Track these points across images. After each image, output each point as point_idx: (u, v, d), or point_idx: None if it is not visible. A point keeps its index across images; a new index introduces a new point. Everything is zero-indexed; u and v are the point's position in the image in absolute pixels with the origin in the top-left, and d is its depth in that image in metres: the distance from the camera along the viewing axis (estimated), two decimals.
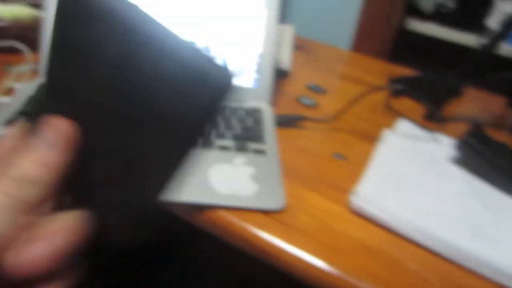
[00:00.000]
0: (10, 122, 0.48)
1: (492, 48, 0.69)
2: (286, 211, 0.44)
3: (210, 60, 0.22)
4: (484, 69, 0.68)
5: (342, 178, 0.51)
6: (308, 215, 0.45)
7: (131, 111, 0.23)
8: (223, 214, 0.43)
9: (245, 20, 0.60)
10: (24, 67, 0.62)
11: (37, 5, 0.73)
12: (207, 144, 0.50)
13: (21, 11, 0.69)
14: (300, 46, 0.87)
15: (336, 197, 0.48)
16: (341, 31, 0.94)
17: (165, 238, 1.12)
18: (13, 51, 0.66)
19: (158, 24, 0.22)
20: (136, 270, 1.10)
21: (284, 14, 0.97)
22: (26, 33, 0.66)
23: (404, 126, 0.63)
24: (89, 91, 0.23)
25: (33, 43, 0.65)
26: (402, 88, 0.72)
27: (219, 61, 0.23)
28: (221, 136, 0.52)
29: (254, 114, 0.58)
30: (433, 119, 0.68)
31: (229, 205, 0.42)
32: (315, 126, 0.61)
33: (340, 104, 0.67)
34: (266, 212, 0.43)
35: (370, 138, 0.60)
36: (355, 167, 0.53)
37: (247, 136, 0.53)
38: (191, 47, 0.22)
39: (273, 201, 0.44)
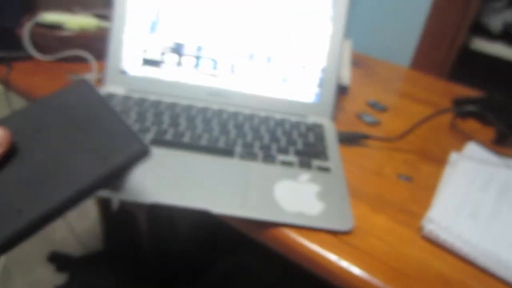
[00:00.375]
0: None
1: None
2: (353, 233, 0.42)
3: (131, 133, 0.31)
4: None
5: (410, 201, 0.48)
6: (376, 238, 0.42)
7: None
8: (288, 232, 0.41)
9: (309, 33, 0.59)
10: (88, 75, 0.64)
11: (103, 16, 0.76)
12: (269, 158, 0.49)
13: (88, 22, 0.72)
14: (358, 62, 0.84)
15: (405, 221, 0.45)
16: (400, 48, 0.91)
17: (207, 248, 1.11)
18: (78, 60, 0.68)
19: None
20: (175, 278, 1.10)
21: None
22: (92, 42, 0.69)
23: (473, 150, 0.59)
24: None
25: (98, 52, 0.67)
26: (471, 109, 0.67)
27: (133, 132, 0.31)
28: (283, 151, 0.50)
29: (316, 129, 0.56)
30: (504, 143, 0.63)
31: (296, 224, 0.40)
32: (378, 144, 0.58)
33: (402, 122, 0.64)
34: (333, 233, 0.41)
35: (436, 160, 0.56)
36: (422, 190, 0.50)
37: (311, 153, 0.51)
38: (119, 120, 0.32)
39: (341, 222, 0.41)
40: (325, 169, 0.48)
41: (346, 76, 0.71)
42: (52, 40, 0.66)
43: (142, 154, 0.31)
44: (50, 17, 0.70)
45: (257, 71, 0.59)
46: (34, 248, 1.33)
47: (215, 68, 0.59)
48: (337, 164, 0.50)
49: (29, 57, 0.68)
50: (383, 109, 0.68)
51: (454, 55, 0.86)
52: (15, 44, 0.69)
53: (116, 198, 0.40)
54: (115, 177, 0.30)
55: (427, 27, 0.87)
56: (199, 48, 0.59)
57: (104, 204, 1.24)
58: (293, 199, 0.43)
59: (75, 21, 0.71)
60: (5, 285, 1.20)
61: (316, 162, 0.49)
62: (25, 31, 0.67)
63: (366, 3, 0.91)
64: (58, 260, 1.28)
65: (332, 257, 0.39)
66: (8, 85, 0.62)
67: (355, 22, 0.95)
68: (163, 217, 1.13)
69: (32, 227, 0.28)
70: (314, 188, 0.45)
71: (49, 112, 0.32)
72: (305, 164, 0.48)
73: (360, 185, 0.49)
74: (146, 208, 1.04)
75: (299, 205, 0.42)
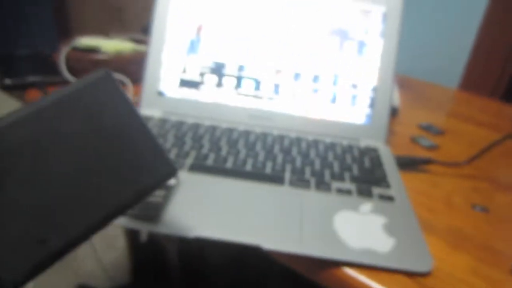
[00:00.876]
0: None
1: None
2: (432, 275, 0.35)
3: (158, 151, 0.29)
4: None
5: (493, 237, 0.40)
6: (460, 281, 0.35)
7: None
8: (355, 273, 0.34)
9: (358, 50, 0.54)
10: None
11: (139, 41, 0.75)
12: (323, 186, 0.43)
13: (124, 46, 0.70)
14: (402, 85, 0.79)
15: (491, 260, 0.37)
16: (447, 70, 0.85)
17: (238, 282, 1.05)
18: None
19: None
20: None
21: None
22: (128, 66, 0.66)
23: None
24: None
25: (134, 76, 0.65)
26: None
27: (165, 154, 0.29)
28: (338, 177, 0.45)
29: (372, 153, 0.50)
30: None
31: (365, 263, 0.34)
32: (442, 170, 0.51)
33: (463, 147, 0.58)
34: (409, 275, 0.34)
35: None
36: (503, 223, 0.42)
37: (370, 179, 0.45)
38: (146, 134, 0.28)
39: (419, 261, 0.35)
40: (389, 198, 0.42)
41: (396, 97, 0.66)
42: (87, 63, 0.65)
43: (169, 175, 0.29)
44: (86, 41, 0.69)
45: (303, 92, 0.55)
46: (61, 280, 1.29)
47: (257, 89, 0.55)
48: (401, 192, 0.43)
49: (65, 82, 0.66)
50: (439, 132, 0.62)
51: (508, 75, 0.79)
52: (51, 69, 0.67)
53: (154, 231, 0.35)
54: (141, 199, 0.28)
55: (477, 47, 0.81)
56: (240, 68, 0.55)
57: (133, 235, 1.20)
58: (358, 234, 0.37)
59: (111, 44, 0.69)
60: None
61: (377, 190, 0.43)
62: (61, 56, 0.66)
63: (410, 23, 0.87)
64: None
65: None
66: None
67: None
68: (194, 249, 1.08)
69: (55, 257, 0.25)
70: (379, 220, 0.39)
71: (69, 115, 0.26)
72: (365, 192, 0.42)
73: (431, 217, 0.42)
74: (177, 239, 0.99)
75: (365, 241, 0.36)
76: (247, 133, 0.52)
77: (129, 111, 0.28)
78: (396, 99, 0.65)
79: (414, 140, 0.59)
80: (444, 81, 0.85)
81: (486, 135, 0.63)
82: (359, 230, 0.37)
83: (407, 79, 0.82)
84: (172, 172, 0.29)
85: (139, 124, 0.28)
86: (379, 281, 0.34)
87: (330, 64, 0.55)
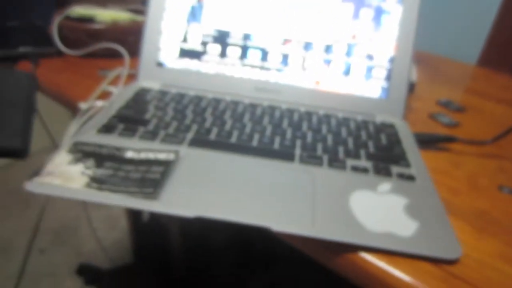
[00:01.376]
0: (107, 125, 0.42)
1: None
2: (460, 262, 0.31)
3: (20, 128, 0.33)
4: None
5: None
6: (492, 269, 0.31)
7: None
8: (374, 259, 0.31)
9: (374, 18, 0.50)
10: (120, 71, 0.57)
11: (137, 11, 0.70)
12: (337, 163, 0.39)
13: (120, 15, 0.66)
14: (419, 60, 0.74)
15: None
16: (466, 45, 0.80)
17: (240, 264, 1.03)
18: (110, 55, 0.62)
19: None
20: None
21: None
22: (124, 36, 0.62)
23: None
24: None
25: (131, 48, 0.60)
26: None
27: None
28: (353, 155, 0.41)
29: (388, 130, 0.46)
30: None
31: (384, 248, 0.30)
32: (465, 150, 0.47)
33: (486, 125, 0.54)
34: (433, 262, 0.31)
35: None
36: None
37: (387, 157, 0.41)
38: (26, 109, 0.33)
39: (446, 247, 0.31)
40: (409, 177, 0.38)
41: (413, 72, 0.61)
42: (81, 33, 0.60)
43: (13, 151, 0.31)
44: (80, 10, 0.64)
45: (313, 63, 0.50)
46: (62, 261, 1.27)
47: (264, 59, 0.51)
48: (422, 171, 0.40)
49: (59, 54, 0.62)
50: (459, 109, 0.58)
51: None
52: (45, 40, 0.63)
53: (151, 210, 0.32)
54: None
55: (498, 23, 0.76)
56: (246, 37, 0.51)
57: (134, 215, 1.17)
58: (376, 215, 0.33)
59: (107, 14, 0.64)
60: None
61: (396, 169, 0.39)
62: (54, 25, 0.61)
63: None
64: (87, 273, 1.22)
65: None
66: None
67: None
68: (197, 229, 1.05)
69: None
70: (400, 201, 0.35)
71: None
72: (382, 171, 0.39)
73: (454, 198, 0.39)
74: (179, 219, 0.96)
75: (385, 223, 0.32)
76: (253, 107, 0.48)
77: (26, 96, 0.34)
78: (413, 74, 0.61)
79: (432, 117, 0.54)
80: (462, 57, 0.80)
81: (508, 113, 0.59)
82: (377, 211, 0.33)
83: (424, 54, 0.77)
84: (18, 151, 0.31)
85: (27, 105, 0.33)
86: (401, 269, 0.30)
87: (343, 33, 0.50)
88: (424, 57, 0.77)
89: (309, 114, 0.48)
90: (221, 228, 1.00)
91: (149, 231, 1.19)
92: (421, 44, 0.78)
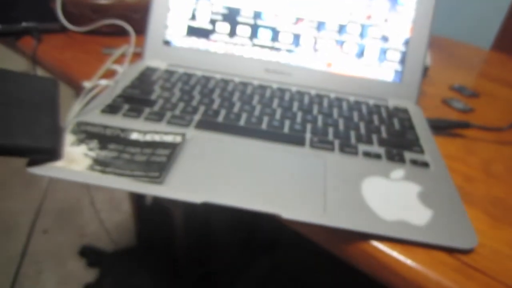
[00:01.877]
0: (111, 105, 0.40)
1: None
2: (476, 252, 0.30)
3: (51, 127, 0.33)
4: None
5: None
6: (509, 258, 0.30)
7: None
8: (385, 248, 0.30)
9: None
10: (125, 49, 0.55)
11: None
12: (348, 149, 0.38)
13: None
14: (432, 44, 0.72)
15: None
16: (481, 30, 0.77)
17: (244, 246, 1.03)
18: (115, 33, 0.60)
19: None
20: (210, 277, 1.02)
21: None
22: (131, 13, 0.60)
23: None
24: None
25: (137, 26, 0.58)
26: None
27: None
28: (365, 140, 0.39)
29: (401, 115, 0.45)
30: None
31: (398, 237, 0.29)
32: (479, 136, 0.46)
33: (501, 110, 0.52)
34: (448, 251, 0.30)
35: None
36: None
37: (400, 143, 0.40)
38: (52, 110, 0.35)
39: (461, 236, 0.30)
40: (423, 164, 0.37)
41: (426, 55, 0.59)
42: (86, 9, 0.58)
43: (44, 150, 0.31)
44: None
45: (326, 44, 0.49)
46: (65, 242, 1.28)
47: (275, 39, 0.49)
48: (436, 158, 0.38)
49: (62, 30, 0.60)
50: (473, 95, 0.56)
51: None
52: (48, 15, 0.61)
53: (157, 195, 0.31)
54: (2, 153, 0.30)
55: None
56: (256, 15, 0.49)
57: (137, 198, 1.17)
58: (389, 203, 0.32)
59: None
60: (37, 279, 1.16)
61: (409, 155, 0.38)
62: (57, 0, 0.59)
63: None
64: (90, 254, 1.23)
65: (454, 286, 0.28)
66: (35, 60, 0.54)
67: None
68: (200, 212, 1.05)
69: None
70: (414, 189, 0.34)
71: None
72: (396, 157, 0.37)
73: (469, 186, 0.37)
74: (184, 204, 0.96)
75: (399, 211, 0.31)
76: (262, 88, 0.47)
77: (51, 98, 0.35)
78: (427, 58, 0.59)
79: (446, 102, 0.53)
80: (477, 42, 0.78)
81: None
82: (390, 199, 0.32)
83: (438, 38, 0.75)
84: (48, 150, 0.31)
85: (53, 106, 0.34)
86: (414, 258, 0.29)
87: (358, 13, 0.48)
88: (437, 41, 0.75)
89: (320, 97, 0.46)
90: (224, 212, 1.00)
91: (152, 214, 1.19)
92: (435, 28, 0.76)
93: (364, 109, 0.45)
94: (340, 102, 0.46)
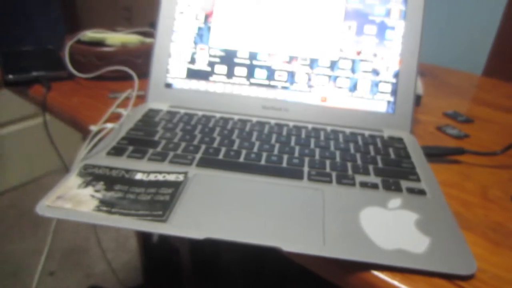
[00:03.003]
0: (116, 148, 0.42)
1: None
2: (476, 278, 0.31)
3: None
4: None
5: None
6: (510, 284, 0.30)
7: None
8: (385, 277, 0.30)
9: (378, 34, 0.50)
10: (129, 93, 0.58)
11: (147, 34, 0.71)
12: (346, 180, 0.39)
13: (130, 38, 0.67)
14: (423, 72, 0.74)
15: None
16: (470, 56, 0.80)
17: (253, 285, 1.02)
18: (120, 78, 0.63)
19: None
20: None
21: None
22: (134, 58, 0.63)
23: None
24: None
25: (140, 70, 0.61)
26: None
27: None
28: (362, 171, 0.41)
29: (396, 144, 0.46)
30: None
31: (397, 266, 0.30)
32: (475, 161, 0.47)
33: (496, 135, 0.53)
34: (448, 278, 0.30)
35: None
36: None
37: (397, 172, 0.41)
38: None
39: (460, 263, 0.30)
40: (419, 192, 0.38)
41: (418, 84, 0.61)
42: (92, 57, 0.62)
43: None
44: (91, 34, 0.66)
45: (319, 80, 0.51)
46: (72, 283, 1.27)
47: (271, 77, 0.51)
48: (432, 185, 0.39)
49: (70, 77, 0.64)
50: (467, 120, 0.57)
51: None
52: (56, 64, 0.65)
53: (161, 233, 0.32)
54: None
55: (501, 34, 0.76)
56: (252, 56, 0.52)
57: (144, 236, 1.17)
58: (388, 232, 0.33)
59: (117, 37, 0.66)
60: None
61: (405, 184, 0.39)
62: (66, 49, 0.63)
63: (430, 9, 0.82)
64: None
65: None
66: (44, 106, 0.57)
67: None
68: (207, 250, 1.05)
69: None
70: (411, 217, 0.34)
71: None
72: (392, 186, 0.38)
73: (466, 212, 0.38)
74: (189, 240, 0.96)
75: (397, 240, 0.32)
76: (261, 125, 0.48)
77: None
78: (419, 87, 0.61)
79: (440, 129, 0.54)
80: (469, 68, 0.80)
81: None
82: (389, 228, 0.33)
83: (429, 66, 0.77)
84: None
85: None
86: (415, 286, 0.30)
87: (348, 49, 0.50)
88: (429, 69, 0.77)
89: (316, 131, 0.48)
90: (231, 248, 0.99)
91: (159, 252, 1.18)
92: (426, 57, 0.78)
93: (360, 140, 0.47)
94: (336, 135, 0.47)
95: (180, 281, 1.08)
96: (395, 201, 0.36)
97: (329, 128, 0.49)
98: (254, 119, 0.50)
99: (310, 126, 0.49)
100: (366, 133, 0.48)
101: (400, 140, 0.47)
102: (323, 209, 0.35)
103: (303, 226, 0.33)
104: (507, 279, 0.31)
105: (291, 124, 0.49)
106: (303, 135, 0.47)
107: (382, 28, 0.50)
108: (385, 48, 0.50)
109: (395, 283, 0.30)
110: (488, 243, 0.34)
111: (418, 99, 0.61)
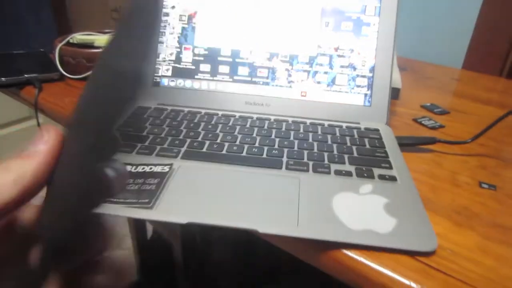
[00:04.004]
0: None
1: None
2: (438, 255, 0.33)
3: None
4: None
5: (501, 214, 0.39)
6: (469, 260, 0.33)
7: None
8: (353, 255, 0.33)
9: (354, 30, 0.53)
10: None
11: None
12: (321, 169, 0.41)
13: None
14: (404, 67, 0.77)
15: (501, 238, 0.36)
16: (450, 50, 0.83)
17: (246, 278, 1.04)
18: None
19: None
20: None
21: None
22: None
23: None
24: None
25: None
26: None
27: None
28: (337, 160, 0.43)
29: (372, 135, 0.49)
30: None
31: (365, 244, 0.33)
32: (446, 150, 0.50)
33: (470, 125, 0.56)
34: (412, 255, 0.33)
35: None
36: None
37: (370, 161, 0.43)
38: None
39: (422, 241, 0.33)
40: (390, 178, 0.40)
41: (397, 78, 0.64)
42: (81, 57, 0.64)
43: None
44: (80, 36, 0.68)
45: (299, 75, 0.53)
46: None
47: (253, 74, 0.54)
48: (403, 172, 0.42)
49: (61, 79, 0.66)
50: (443, 112, 0.60)
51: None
52: (47, 66, 0.67)
53: (147, 219, 0.34)
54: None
55: (480, 27, 0.79)
56: (234, 54, 0.54)
57: (139, 233, 1.19)
58: (357, 215, 0.35)
59: (105, 39, 0.68)
60: None
61: (378, 171, 0.42)
62: (55, 51, 0.65)
63: (409, 5, 0.85)
64: None
65: (415, 286, 0.31)
66: (36, 107, 0.59)
67: (401, 25, 0.89)
68: (200, 246, 1.07)
69: None
70: (380, 201, 0.37)
71: None
72: (365, 174, 0.41)
73: (435, 196, 0.41)
74: (181, 236, 0.98)
75: (365, 222, 0.34)
76: (243, 120, 0.51)
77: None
78: (398, 81, 0.64)
79: (417, 121, 0.57)
80: (449, 63, 0.83)
81: (493, 113, 0.61)
82: (358, 211, 0.36)
83: (411, 61, 0.80)
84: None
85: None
86: (381, 263, 0.32)
87: (326, 45, 0.53)
88: (411, 64, 0.80)
89: (296, 124, 0.50)
90: (223, 241, 1.02)
91: (153, 249, 1.21)
92: (409, 52, 0.81)
93: (337, 132, 0.49)
94: (315, 127, 0.50)
95: (175, 277, 1.10)
96: (367, 186, 0.39)
97: (308, 121, 0.51)
98: (238, 114, 0.52)
99: (290, 119, 0.52)
100: (344, 125, 0.51)
101: (376, 131, 0.50)
102: (298, 195, 0.37)
103: (279, 210, 0.35)
104: (464, 255, 0.33)
105: (272, 118, 0.52)
106: (283, 128, 0.49)
107: (358, 25, 0.53)
108: (361, 43, 0.53)
109: (362, 259, 0.32)
110: (451, 224, 0.37)
111: (396, 92, 0.63)
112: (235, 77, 0.54)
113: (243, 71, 0.54)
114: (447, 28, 0.83)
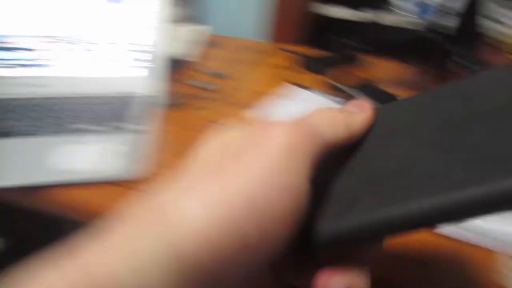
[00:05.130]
0: None
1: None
2: (139, 179, 0.43)
3: None
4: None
5: None
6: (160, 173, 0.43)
7: None
8: (61, 191, 0.41)
9: (133, 9, 0.60)
10: None
11: None
12: (57, 129, 0.49)
13: None
14: (215, 43, 0.87)
15: None
16: (256, 24, 0.95)
17: None
18: None
19: None
20: None
21: (203, 16, 0.97)
22: None
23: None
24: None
25: None
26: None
27: None
28: (80, 121, 0.51)
29: (138, 100, 0.57)
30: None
31: (70, 181, 0.41)
32: (205, 106, 0.60)
33: (245, 85, 0.67)
34: (120, 183, 0.42)
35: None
36: None
37: (115, 119, 0.51)
38: None
39: (131, 171, 0.42)
40: (133, 131, 0.49)
41: (189, 52, 0.73)
42: None
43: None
44: None
45: (78, 55, 0.59)
46: None
47: (31, 57, 0.59)
48: (149, 126, 0.50)
49: None
50: (225, 77, 0.71)
51: (309, 22, 0.90)
52: None
53: None
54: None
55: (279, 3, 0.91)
56: (11, 37, 0.58)
57: None
58: (70, 160, 0.43)
59: None
60: None
61: (125, 126, 0.50)
62: None
63: None
64: None
65: (115, 204, 0.39)
66: None
67: (213, 8, 1.00)
68: None
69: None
70: (112, 147, 0.45)
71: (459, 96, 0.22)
72: (110, 129, 0.49)
73: (173, 142, 0.50)
74: None
75: (74, 164, 0.43)
76: (18, 101, 0.55)
77: None
78: (186, 54, 0.73)
79: (193, 85, 0.66)
80: (256, 36, 0.95)
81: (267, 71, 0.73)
82: (72, 157, 0.43)
83: (221, 37, 0.90)
84: None
85: None
86: (92, 193, 0.40)
87: (106, 24, 0.60)
88: (220, 40, 0.90)
89: (67, 99, 0.56)
90: None
91: None
92: (219, 29, 0.91)
93: (100, 101, 0.56)
94: (85, 100, 0.56)
95: None
96: (103, 138, 0.47)
97: (81, 96, 0.57)
98: (22, 97, 0.56)
99: (69, 96, 0.57)
100: (123, 95, 0.58)
101: (147, 97, 0.57)
102: (24, 153, 0.44)
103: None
104: (159, 173, 0.43)
105: (51, 97, 0.57)
106: (48, 104, 0.54)
107: (137, 3, 0.60)
108: (139, 21, 0.60)
109: (75, 193, 0.40)
110: (173, 157, 0.46)
111: (181, 63, 0.72)
112: (15, 62, 0.58)
113: (23, 54, 0.58)
114: (254, 5, 0.94)
